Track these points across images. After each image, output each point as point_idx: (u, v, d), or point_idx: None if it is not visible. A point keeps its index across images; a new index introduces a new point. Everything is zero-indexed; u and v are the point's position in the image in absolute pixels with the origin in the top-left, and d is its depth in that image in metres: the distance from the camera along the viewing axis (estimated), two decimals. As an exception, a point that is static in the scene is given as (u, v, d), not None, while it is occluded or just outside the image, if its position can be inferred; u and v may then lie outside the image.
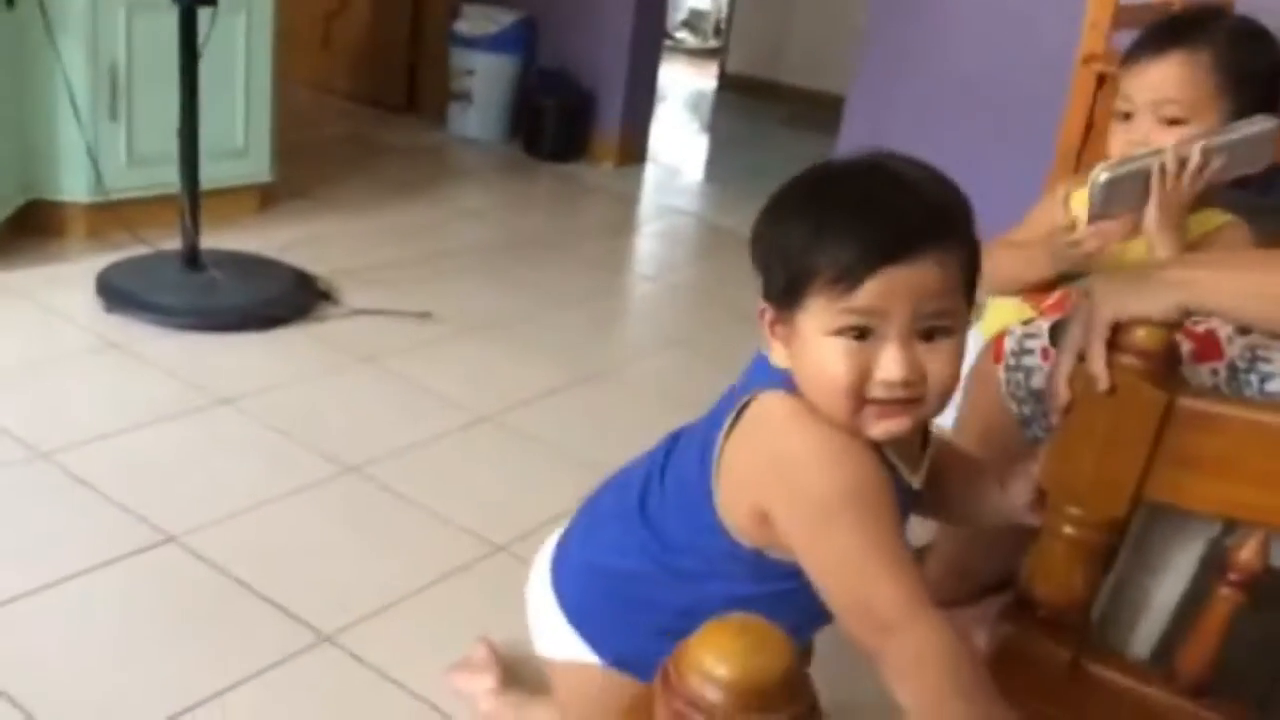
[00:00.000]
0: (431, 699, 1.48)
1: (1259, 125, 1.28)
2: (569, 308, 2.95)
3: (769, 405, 0.94)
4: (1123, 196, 1.30)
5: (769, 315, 0.96)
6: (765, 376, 0.97)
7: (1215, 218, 1.38)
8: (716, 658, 0.50)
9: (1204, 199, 1.34)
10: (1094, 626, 1.14)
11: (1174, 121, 1.33)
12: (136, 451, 1.98)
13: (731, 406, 0.99)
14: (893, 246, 0.86)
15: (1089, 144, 2.31)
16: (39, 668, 1.45)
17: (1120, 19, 2.32)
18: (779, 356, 0.95)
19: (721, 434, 0.98)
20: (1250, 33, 1.35)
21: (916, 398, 0.89)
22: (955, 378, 0.90)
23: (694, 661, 0.50)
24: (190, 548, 1.72)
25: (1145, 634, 1.23)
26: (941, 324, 0.89)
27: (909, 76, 3.59)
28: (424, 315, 2.68)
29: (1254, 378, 1.23)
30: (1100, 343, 0.95)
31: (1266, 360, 1.23)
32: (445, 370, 2.45)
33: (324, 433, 2.11)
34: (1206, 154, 1.28)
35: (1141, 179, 1.29)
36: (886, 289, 0.86)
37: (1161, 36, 1.36)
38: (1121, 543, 1.11)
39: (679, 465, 1.06)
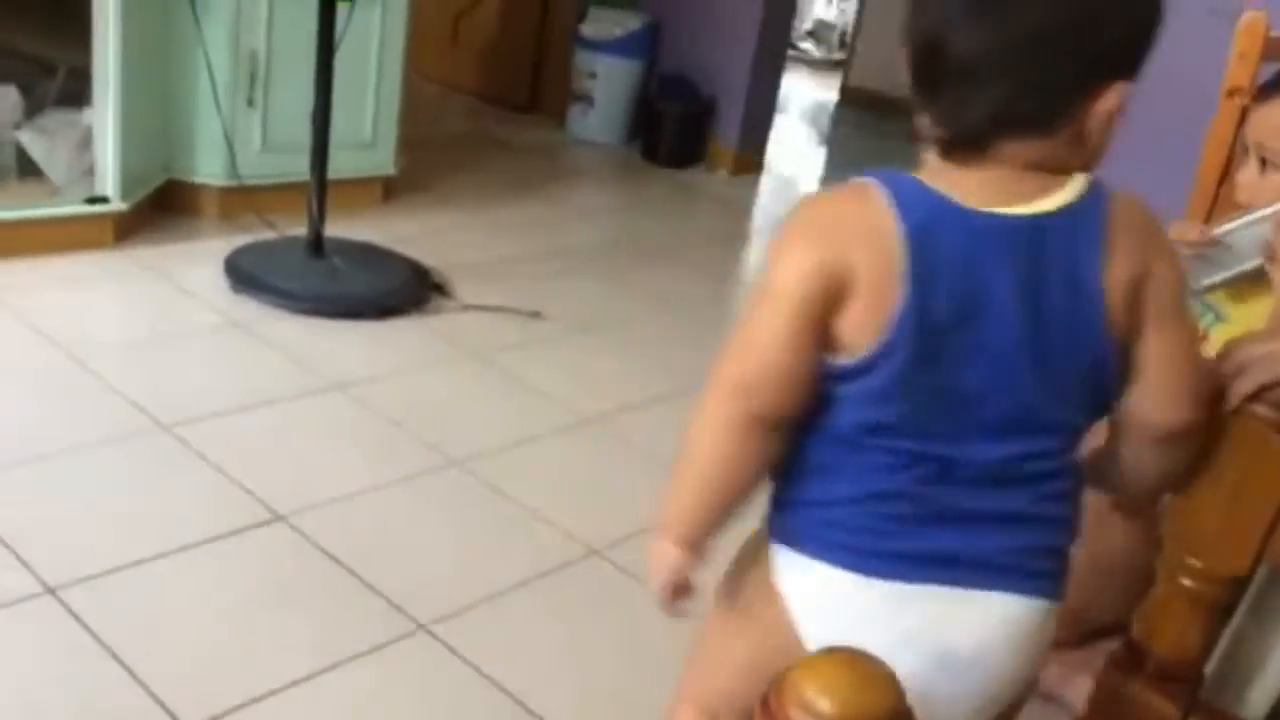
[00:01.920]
0: (522, 698, 1.50)
1: None
2: (679, 314, 2.95)
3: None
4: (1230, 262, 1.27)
5: None
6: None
7: None
8: (819, 691, 0.49)
9: None
10: (1206, 684, 1.09)
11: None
12: (252, 430, 2.04)
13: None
14: None
15: (1228, 177, 2.22)
16: (145, 630, 1.50)
17: (1270, 51, 2.22)
18: None
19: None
20: None
21: None
22: None
23: (796, 693, 0.50)
24: (298, 528, 1.77)
25: (1259, 696, 1.17)
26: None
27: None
28: (534, 314, 2.71)
29: None
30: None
31: None
32: (552, 369, 2.47)
33: (432, 424, 2.15)
34: None
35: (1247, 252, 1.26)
36: None
37: None
38: (1241, 599, 1.07)
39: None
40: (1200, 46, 3.01)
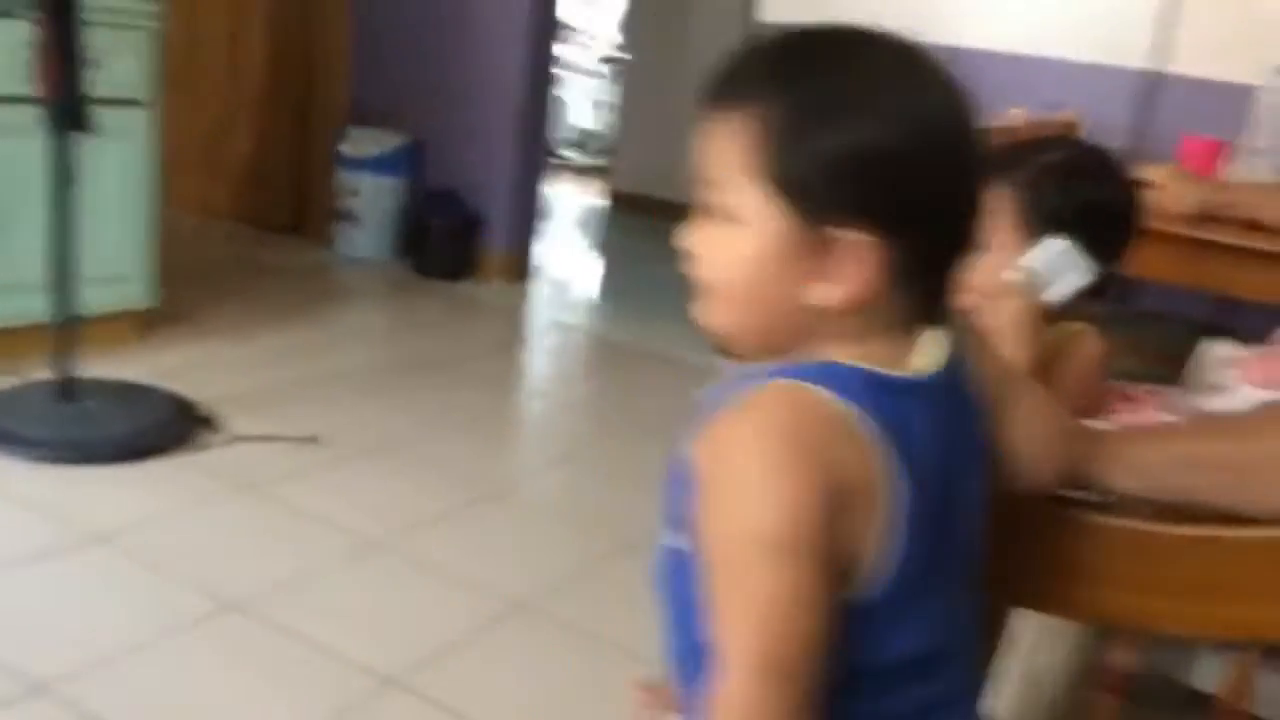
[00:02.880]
0: None
1: (1052, 248, 1.33)
2: (461, 427, 2.92)
3: None
4: None
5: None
6: None
7: (1069, 328, 1.45)
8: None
9: (1058, 313, 1.40)
10: None
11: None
12: (4, 596, 1.87)
13: None
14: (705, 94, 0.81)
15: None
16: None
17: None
18: None
19: None
20: (1069, 169, 1.35)
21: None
22: (715, 270, 0.81)
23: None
24: (63, 697, 1.63)
25: None
26: (711, 200, 0.81)
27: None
28: (309, 439, 2.63)
29: None
30: None
31: None
32: (333, 496, 2.39)
33: (204, 567, 2.04)
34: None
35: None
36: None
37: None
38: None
39: None
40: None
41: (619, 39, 7.59)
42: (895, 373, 0.77)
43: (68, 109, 2.40)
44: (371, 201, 4.41)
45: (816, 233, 0.74)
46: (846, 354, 0.76)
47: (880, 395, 0.75)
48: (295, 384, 3.04)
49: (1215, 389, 1.43)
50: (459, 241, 4.39)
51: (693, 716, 0.84)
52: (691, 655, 0.82)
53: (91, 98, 2.45)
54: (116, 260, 3.03)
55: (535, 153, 4.51)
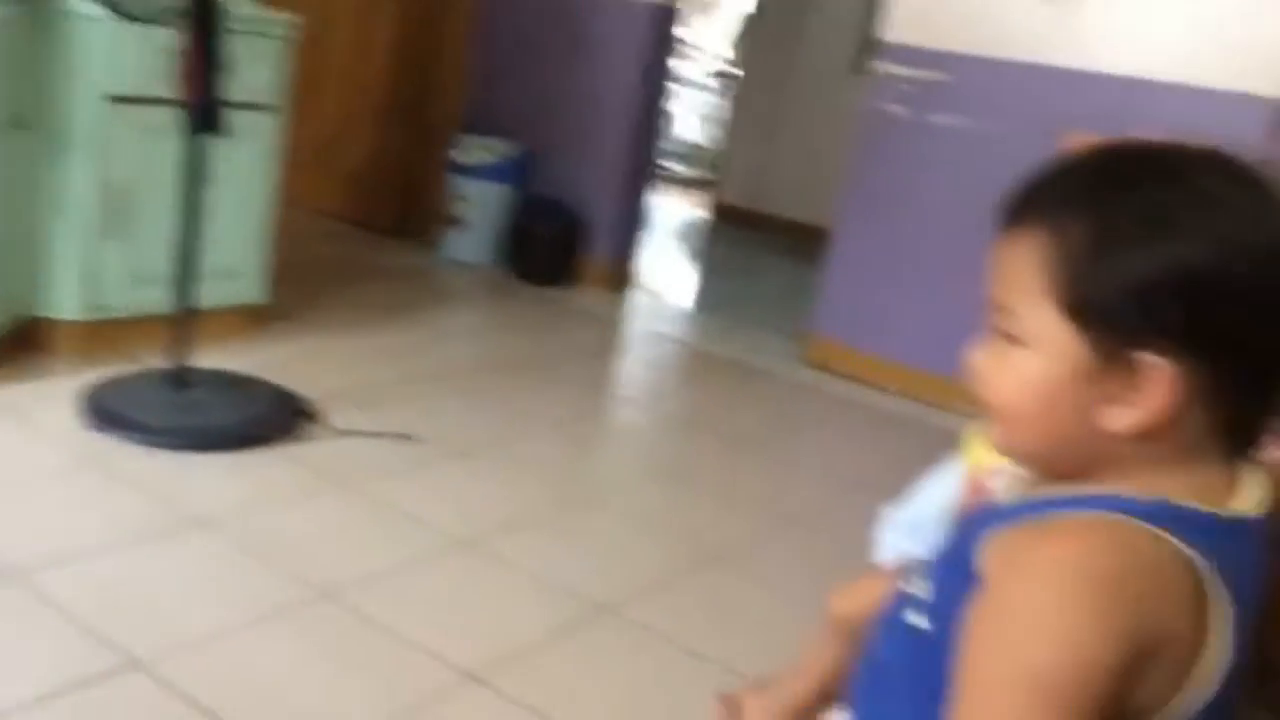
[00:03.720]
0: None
1: None
2: (553, 432, 2.96)
3: None
4: None
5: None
6: None
7: None
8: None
9: None
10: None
11: None
12: (108, 573, 1.95)
13: None
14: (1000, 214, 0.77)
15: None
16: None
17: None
18: None
19: None
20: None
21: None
22: (1003, 393, 0.77)
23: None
24: (157, 675, 1.69)
25: None
26: (1000, 323, 0.76)
27: (888, 206, 3.68)
28: (405, 437, 2.69)
29: None
30: None
31: None
32: (426, 493, 2.44)
33: (300, 557, 2.10)
34: None
35: None
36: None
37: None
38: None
39: None
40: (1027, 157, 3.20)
41: (730, 53, 7.60)
42: (1230, 512, 0.71)
43: (205, 112, 2.50)
44: (479, 207, 4.49)
45: (1115, 358, 0.70)
46: (1153, 486, 0.71)
47: (1219, 539, 0.69)
48: (396, 382, 3.11)
49: None
50: (561, 249, 4.44)
51: None
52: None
53: (227, 102, 2.56)
54: (235, 257, 3.15)
55: (642, 165, 4.55)
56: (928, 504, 1.60)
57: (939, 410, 3.37)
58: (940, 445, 1.61)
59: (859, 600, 1.66)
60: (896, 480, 1.88)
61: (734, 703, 1.58)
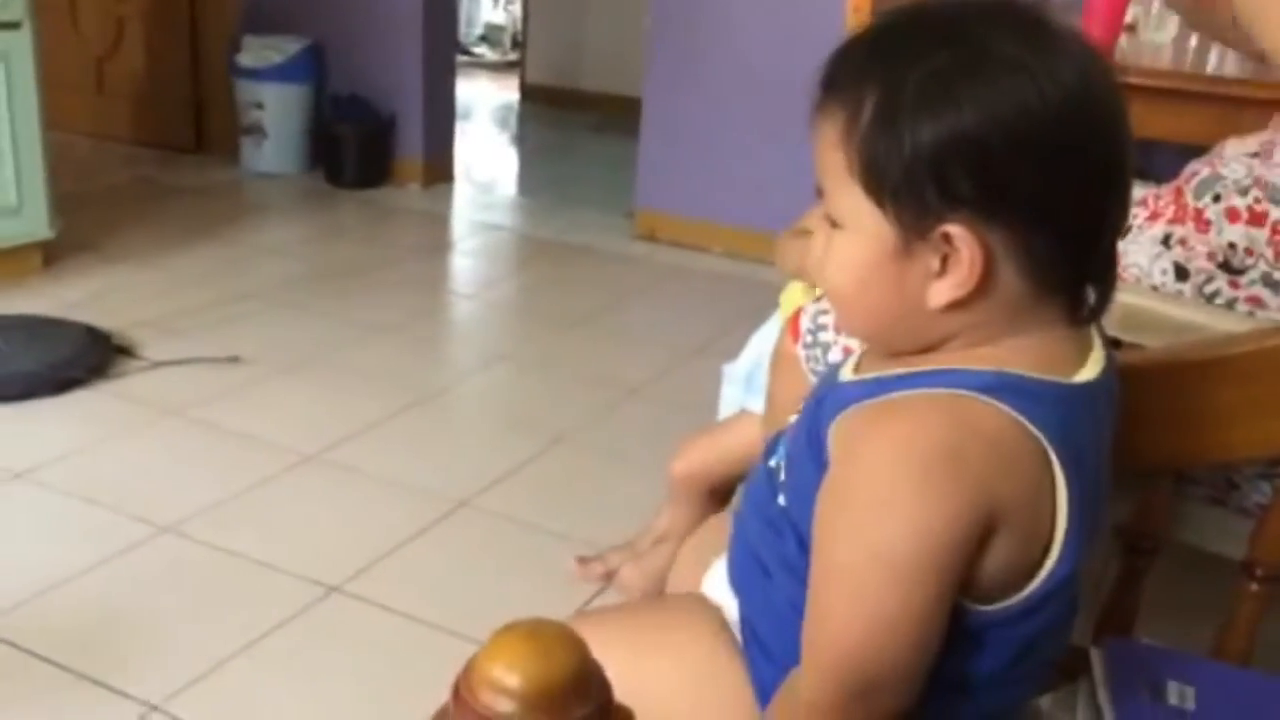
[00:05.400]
0: (273, 754, 1.43)
1: None
2: (386, 335, 2.89)
3: None
4: None
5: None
6: None
7: None
8: (506, 668, 0.50)
9: None
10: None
11: None
12: (-76, 540, 1.84)
13: None
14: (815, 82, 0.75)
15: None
16: None
17: (880, 1, 2.43)
18: None
19: None
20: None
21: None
22: (831, 278, 0.77)
23: (484, 674, 0.50)
24: (4, 630, 1.61)
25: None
26: (824, 206, 0.76)
27: (695, 71, 3.67)
28: (232, 359, 2.59)
29: (818, 351, 1.28)
30: None
31: (824, 329, 1.27)
32: (261, 414, 2.36)
33: (135, 494, 2.01)
34: None
35: None
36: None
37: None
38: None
39: None
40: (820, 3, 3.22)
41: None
42: (1063, 379, 0.72)
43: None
44: (276, 112, 4.26)
45: (920, 232, 0.70)
46: (991, 359, 0.71)
47: (1058, 406, 0.70)
48: (214, 305, 2.97)
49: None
50: (371, 148, 4.27)
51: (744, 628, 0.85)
52: (766, 597, 0.83)
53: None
54: (9, 191, 2.91)
55: (443, 50, 4.38)
56: (757, 355, 1.64)
57: (767, 266, 3.45)
58: (770, 300, 1.64)
59: (698, 459, 1.72)
60: (731, 341, 1.93)
61: (601, 566, 1.63)
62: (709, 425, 1.75)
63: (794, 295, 1.56)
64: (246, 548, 1.87)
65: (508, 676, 0.50)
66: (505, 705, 0.49)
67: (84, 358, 2.48)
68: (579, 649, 0.52)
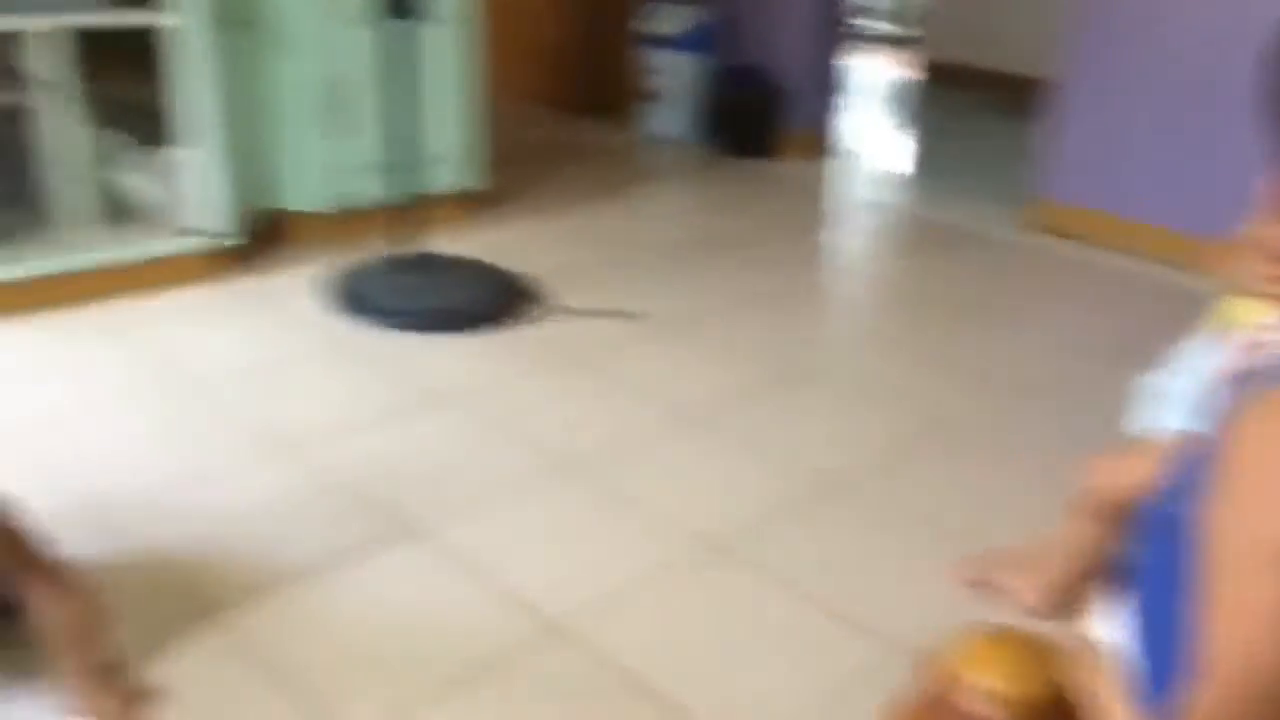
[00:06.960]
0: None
1: None
2: (768, 305, 2.94)
3: None
4: None
5: None
6: None
7: None
8: (999, 675, 0.50)
9: None
10: None
11: None
12: (370, 447, 2.10)
13: None
14: None
15: None
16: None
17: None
18: None
19: None
20: None
21: None
22: None
23: (972, 680, 0.50)
24: (433, 538, 1.81)
25: None
26: None
27: (1115, 58, 3.40)
28: (627, 315, 2.74)
29: None
30: None
31: None
32: (651, 368, 2.49)
33: (538, 429, 2.19)
34: None
35: None
36: None
37: None
38: None
39: None
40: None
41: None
42: None
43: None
44: (674, 80, 4.44)
45: None
46: None
47: None
48: (609, 262, 3.15)
49: None
50: (760, 119, 4.35)
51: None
52: (1161, 619, 0.78)
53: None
54: (451, 143, 3.24)
55: (832, 25, 4.36)
56: (1191, 373, 1.50)
57: (1179, 270, 3.17)
58: (1189, 309, 1.50)
59: (1122, 477, 1.58)
60: (1137, 348, 1.79)
61: (987, 573, 1.53)
62: (1131, 442, 1.62)
63: (1241, 311, 1.42)
64: (635, 491, 1.98)
65: (1002, 685, 0.49)
66: (996, 714, 0.49)
67: (501, 300, 2.73)
68: (1063, 667, 0.51)
